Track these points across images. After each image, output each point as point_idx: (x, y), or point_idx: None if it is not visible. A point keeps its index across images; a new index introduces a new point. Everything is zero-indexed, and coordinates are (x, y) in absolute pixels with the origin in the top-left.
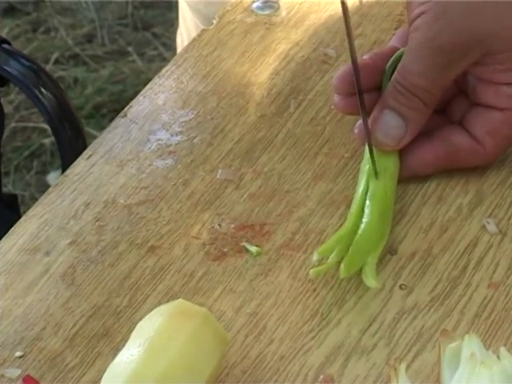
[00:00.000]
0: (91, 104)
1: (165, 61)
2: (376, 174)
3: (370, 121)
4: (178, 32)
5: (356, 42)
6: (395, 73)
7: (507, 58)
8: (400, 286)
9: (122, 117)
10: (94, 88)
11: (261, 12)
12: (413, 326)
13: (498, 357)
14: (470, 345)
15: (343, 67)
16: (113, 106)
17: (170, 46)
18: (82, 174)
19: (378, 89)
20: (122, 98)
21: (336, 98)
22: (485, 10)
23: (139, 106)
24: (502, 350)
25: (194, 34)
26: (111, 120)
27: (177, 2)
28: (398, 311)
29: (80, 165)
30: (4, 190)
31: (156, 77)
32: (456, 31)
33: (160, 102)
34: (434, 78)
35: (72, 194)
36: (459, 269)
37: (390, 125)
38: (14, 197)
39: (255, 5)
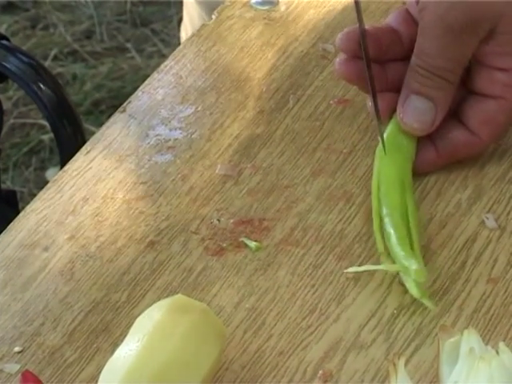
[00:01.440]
0: (90, 100)
1: (163, 57)
2: (385, 151)
3: (397, 109)
4: (182, 26)
5: None
6: (413, 57)
7: (507, 41)
8: (399, 282)
9: (121, 112)
10: (93, 84)
11: (260, 7)
12: (411, 321)
13: (497, 352)
14: (469, 340)
15: (348, 27)
16: (111, 103)
17: (169, 43)
18: (81, 170)
19: (379, 62)
20: (121, 94)
21: (338, 60)
22: None
23: (138, 101)
24: (501, 345)
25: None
26: (110, 116)
27: None
28: (396, 306)
29: (79, 160)
30: (3, 186)
31: (155, 72)
32: (465, 7)
33: (159, 97)
34: (452, 57)
35: (71, 190)
36: (458, 264)
37: (421, 109)
38: (13, 193)
39: (254, 0)
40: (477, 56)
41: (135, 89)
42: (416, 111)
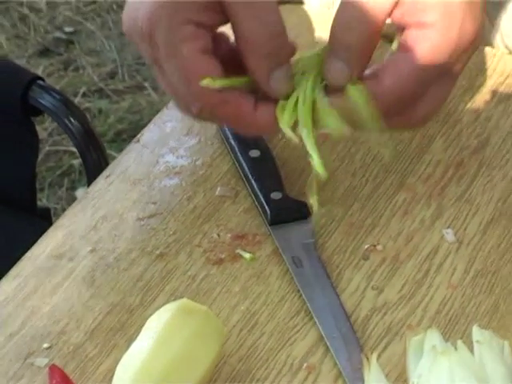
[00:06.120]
0: (113, 131)
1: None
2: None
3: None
4: None
5: None
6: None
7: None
8: (372, 287)
9: (136, 142)
10: (116, 117)
11: None
12: (383, 321)
13: (456, 348)
14: (432, 338)
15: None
16: (131, 133)
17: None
18: (101, 192)
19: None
20: (139, 125)
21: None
22: None
23: (150, 133)
24: (459, 342)
25: None
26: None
27: None
28: (370, 309)
29: (99, 183)
30: (39, 203)
31: (164, 108)
32: None
33: (168, 129)
34: (358, 16)
35: (93, 209)
36: (422, 272)
37: (337, 68)
38: (47, 210)
39: None
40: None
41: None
42: (334, 71)
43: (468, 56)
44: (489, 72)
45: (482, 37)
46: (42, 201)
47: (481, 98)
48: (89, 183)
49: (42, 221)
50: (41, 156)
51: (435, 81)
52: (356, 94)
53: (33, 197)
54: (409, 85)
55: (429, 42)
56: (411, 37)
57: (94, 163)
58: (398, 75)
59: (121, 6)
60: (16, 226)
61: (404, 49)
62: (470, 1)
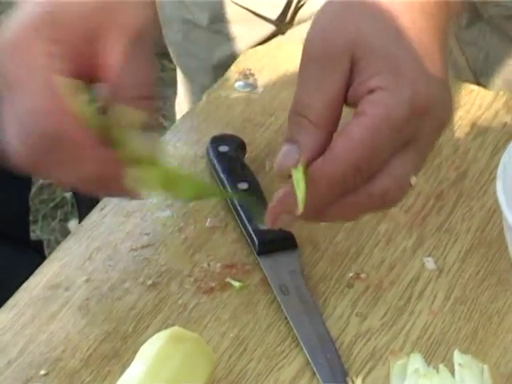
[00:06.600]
0: None
1: (164, 129)
2: None
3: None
4: (177, 103)
5: None
6: None
7: (366, 64)
8: (356, 314)
9: None
10: None
11: (242, 90)
12: (367, 346)
13: (437, 371)
14: (414, 362)
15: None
16: None
17: (168, 117)
18: (96, 224)
19: None
20: None
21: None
22: (348, 19)
23: None
24: (441, 366)
25: (189, 98)
26: None
27: (173, 81)
28: (354, 334)
29: (94, 215)
30: (33, 235)
31: None
32: (324, 38)
33: None
34: (313, 90)
35: (87, 240)
36: (404, 299)
37: (285, 153)
38: (40, 242)
39: (237, 84)
40: (349, 95)
41: None
42: (280, 156)
43: (431, 126)
44: (466, 107)
45: (447, 108)
46: (36, 232)
47: (459, 132)
48: (80, 215)
49: (35, 253)
50: (34, 189)
51: (395, 151)
52: (297, 176)
53: (26, 229)
54: (363, 151)
55: (380, 104)
56: (363, 102)
57: (84, 195)
58: (349, 140)
59: None
60: (10, 258)
61: (357, 115)
62: (421, 65)
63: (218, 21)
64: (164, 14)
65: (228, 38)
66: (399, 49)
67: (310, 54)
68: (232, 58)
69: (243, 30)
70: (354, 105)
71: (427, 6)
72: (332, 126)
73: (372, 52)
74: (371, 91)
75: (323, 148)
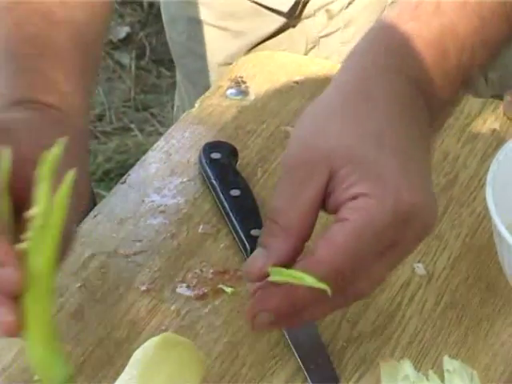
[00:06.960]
0: (101, 170)
1: (160, 135)
2: None
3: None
4: (175, 107)
5: None
6: None
7: (345, 174)
8: (347, 320)
9: (122, 183)
10: (104, 157)
11: (234, 97)
12: (358, 352)
13: (427, 378)
14: (404, 367)
15: None
16: (119, 172)
17: (164, 123)
18: (90, 230)
19: None
20: (127, 165)
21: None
22: (330, 125)
23: (136, 174)
24: (430, 372)
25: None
26: (117, 183)
27: (168, 89)
28: (345, 340)
29: (87, 222)
30: None
31: (149, 150)
32: (304, 146)
33: (152, 170)
34: (288, 198)
35: (81, 247)
36: (395, 305)
37: (254, 256)
38: None
39: (229, 91)
40: (329, 202)
41: (138, 161)
42: (250, 259)
43: (414, 231)
44: (456, 114)
45: (430, 214)
46: None
47: (449, 139)
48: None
49: None
50: None
51: (376, 256)
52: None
53: None
54: (345, 257)
55: (364, 211)
56: (345, 208)
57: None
58: (333, 245)
59: (108, 53)
60: None
61: (339, 220)
62: (404, 170)
63: (225, 17)
64: (168, 14)
65: (236, 35)
66: (380, 154)
67: (290, 162)
68: (238, 55)
69: (252, 25)
70: (333, 212)
71: (411, 101)
72: (304, 233)
73: (352, 159)
74: (354, 198)
75: (293, 254)
